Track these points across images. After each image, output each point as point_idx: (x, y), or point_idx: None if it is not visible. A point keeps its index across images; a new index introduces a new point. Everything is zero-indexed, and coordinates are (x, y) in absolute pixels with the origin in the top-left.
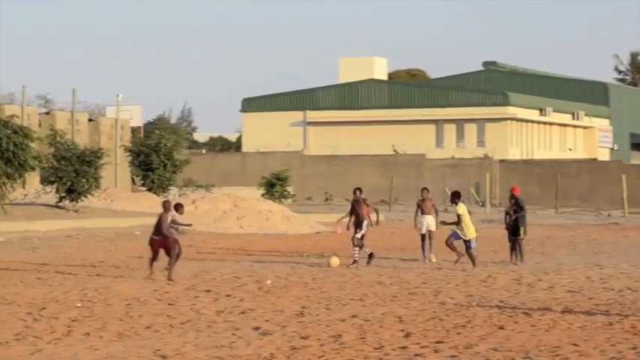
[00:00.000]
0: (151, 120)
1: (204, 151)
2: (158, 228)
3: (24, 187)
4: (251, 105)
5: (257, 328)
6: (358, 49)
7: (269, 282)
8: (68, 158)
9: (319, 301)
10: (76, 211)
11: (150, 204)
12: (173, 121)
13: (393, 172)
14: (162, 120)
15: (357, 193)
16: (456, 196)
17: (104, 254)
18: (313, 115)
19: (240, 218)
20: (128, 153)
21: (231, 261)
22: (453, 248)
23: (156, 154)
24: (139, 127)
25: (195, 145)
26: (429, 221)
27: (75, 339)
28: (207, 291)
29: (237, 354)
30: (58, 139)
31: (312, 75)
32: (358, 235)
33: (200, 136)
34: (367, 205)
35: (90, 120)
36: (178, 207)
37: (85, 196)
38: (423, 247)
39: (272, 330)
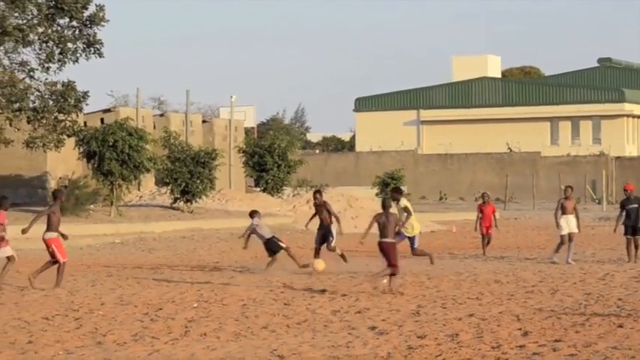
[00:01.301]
0: (264, 121)
1: (317, 151)
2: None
3: (139, 189)
4: (364, 104)
5: (373, 328)
6: (471, 47)
7: (385, 281)
8: (182, 160)
9: (435, 300)
10: (191, 212)
11: (264, 205)
12: (286, 121)
13: (507, 170)
14: (275, 120)
15: (317, 196)
16: (397, 192)
17: (219, 255)
18: (427, 114)
19: (354, 218)
20: (242, 154)
21: (349, 259)
22: (421, 254)
23: (270, 155)
24: (253, 128)
25: (308, 145)
26: (572, 222)
27: (192, 339)
28: (323, 291)
29: (353, 353)
30: (172, 140)
31: (424, 74)
32: (332, 245)
33: (313, 137)
34: (328, 211)
35: (204, 121)
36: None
37: (200, 197)
38: (557, 249)
39: (388, 329)
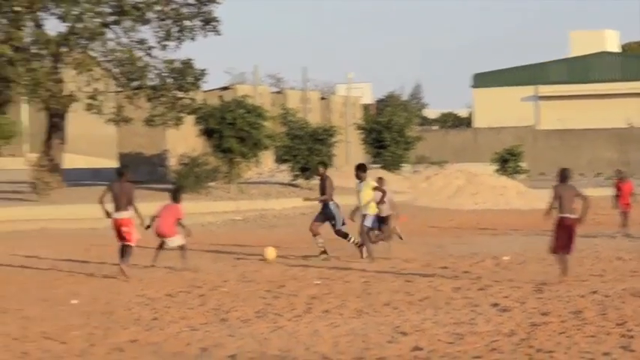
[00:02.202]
0: (382, 97)
1: (435, 127)
2: None
3: (258, 166)
4: (482, 80)
5: (495, 305)
6: (589, 22)
7: (506, 258)
8: (301, 137)
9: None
10: (310, 189)
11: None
12: (404, 98)
13: (628, 146)
14: (392, 97)
15: (320, 169)
16: (361, 170)
17: None
18: (545, 90)
19: (474, 194)
20: (360, 131)
21: (467, 237)
22: (386, 236)
23: (388, 131)
24: (371, 105)
25: (426, 121)
26: None
27: (314, 316)
28: (444, 268)
29: (477, 330)
30: (290, 117)
31: (542, 50)
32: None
33: (430, 113)
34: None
35: (321, 98)
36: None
37: None
38: None
39: (511, 306)
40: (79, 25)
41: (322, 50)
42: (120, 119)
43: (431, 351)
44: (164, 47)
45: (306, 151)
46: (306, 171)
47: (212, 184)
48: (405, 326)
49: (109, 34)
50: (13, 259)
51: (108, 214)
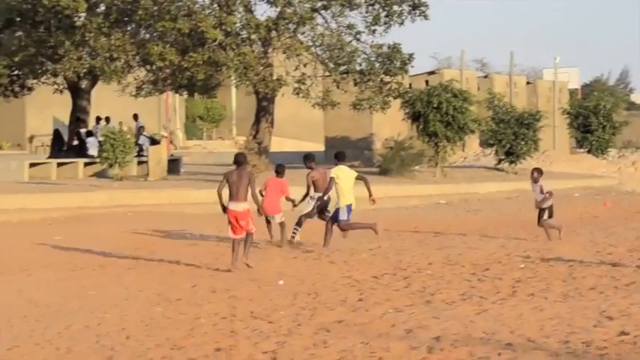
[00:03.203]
0: (587, 82)
1: None
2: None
3: (463, 150)
4: None
5: None
6: None
7: None
8: (507, 121)
9: None
10: (515, 173)
11: (588, 166)
12: (610, 83)
13: None
14: (598, 82)
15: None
16: (338, 158)
17: None
18: None
19: None
20: (566, 115)
21: None
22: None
23: (595, 116)
24: (577, 90)
25: (632, 106)
26: None
27: (519, 299)
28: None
29: None
30: (496, 102)
31: None
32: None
33: (638, 98)
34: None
35: (527, 83)
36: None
37: (524, 158)
38: None
39: None
40: (289, 10)
41: (529, 34)
42: (327, 103)
43: (638, 336)
44: (372, 32)
45: (512, 135)
46: (510, 155)
47: (417, 167)
48: (611, 311)
49: (318, 19)
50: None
51: (224, 208)
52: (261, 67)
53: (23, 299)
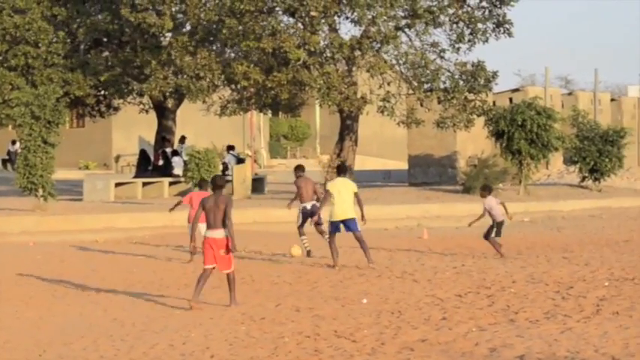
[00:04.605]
0: None
1: None
2: None
3: (547, 168)
4: None
5: None
6: None
7: None
8: (591, 138)
9: None
10: (599, 190)
11: None
12: None
13: None
14: None
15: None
16: (341, 170)
17: (628, 234)
18: None
19: None
20: None
21: None
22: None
23: None
24: None
25: None
26: None
27: (604, 318)
28: None
29: None
30: (580, 119)
31: None
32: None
33: None
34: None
35: (612, 100)
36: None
37: (608, 176)
38: None
39: None
40: (373, 29)
41: (614, 51)
42: (411, 121)
43: None
44: (456, 50)
45: (596, 152)
46: (594, 172)
47: (501, 185)
48: None
49: (402, 38)
50: (299, 259)
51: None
52: (345, 86)
53: (108, 318)
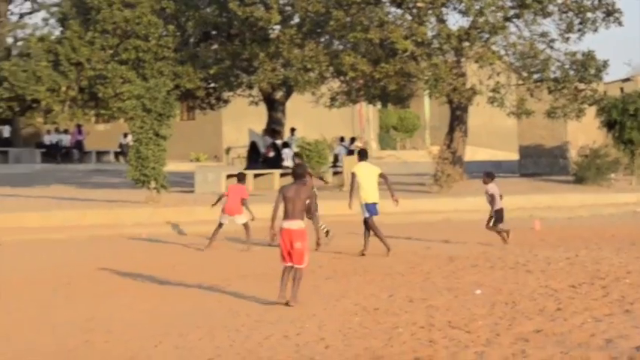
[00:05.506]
0: None
1: None
2: None
3: None
4: None
5: None
6: None
7: None
8: None
9: None
10: None
11: None
12: None
13: None
14: None
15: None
16: (362, 156)
17: None
18: None
19: None
20: None
21: None
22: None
23: None
24: None
25: None
26: None
27: None
28: None
29: None
30: None
31: None
32: None
33: None
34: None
35: None
36: None
37: None
38: None
39: None
40: (481, 20)
41: None
42: (521, 112)
43: None
44: (566, 39)
45: None
46: None
47: (613, 175)
48: None
49: (511, 28)
50: (412, 250)
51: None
52: (453, 77)
53: (224, 309)
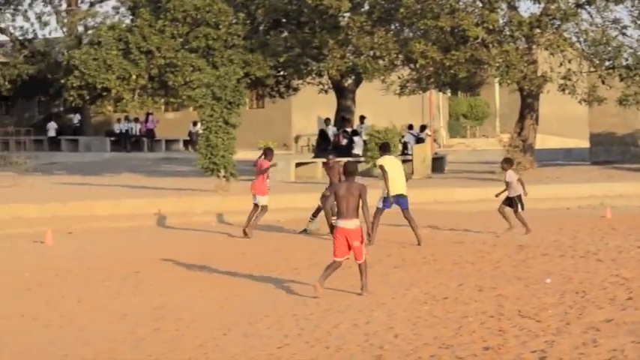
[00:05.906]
0: None
1: None
2: None
3: None
4: None
5: None
6: None
7: None
8: None
9: None
10: None
11: None
12: None
13: None
14: None
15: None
16: (384, 150)
17: None
18: None
19: None
20: None
21: None
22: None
23: None
24: None
25: None
26: None
27: None
28: None
29: None
30: None
31: None
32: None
33: None
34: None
35: None
36: None
37: None
38: None
39: None
40: (552, 6)
41: None
42: (593, 99)
43: None
44: (639, 26)
45: None
46: None
47: None
48: None
49: (583, 15)
50: (481, 239)
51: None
52: (524, 65)
53: (292, 298)
